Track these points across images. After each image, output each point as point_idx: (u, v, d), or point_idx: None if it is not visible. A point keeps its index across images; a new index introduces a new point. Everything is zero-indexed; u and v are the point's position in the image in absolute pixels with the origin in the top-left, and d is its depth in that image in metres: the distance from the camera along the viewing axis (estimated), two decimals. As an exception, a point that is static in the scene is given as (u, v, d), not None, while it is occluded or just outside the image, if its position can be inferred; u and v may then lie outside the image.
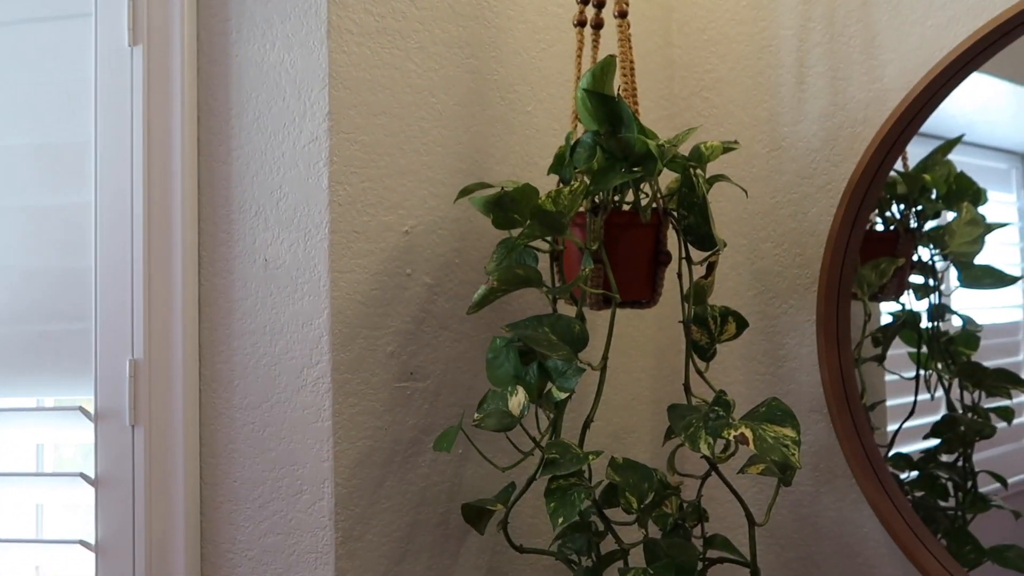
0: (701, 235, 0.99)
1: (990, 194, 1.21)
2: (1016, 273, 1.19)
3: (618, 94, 1.02)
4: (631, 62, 1.09)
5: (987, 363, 1.22)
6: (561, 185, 1.08)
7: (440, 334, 1.15)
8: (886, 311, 1.28)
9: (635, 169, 0.96)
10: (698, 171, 1.00)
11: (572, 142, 1.06)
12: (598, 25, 1.14)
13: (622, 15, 1.10)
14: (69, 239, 1.13)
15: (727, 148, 1.06)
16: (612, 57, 0.97)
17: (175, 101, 1.10)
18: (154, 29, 1.10)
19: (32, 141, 1.15)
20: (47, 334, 1.14)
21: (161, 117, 1.10)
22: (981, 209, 1.21)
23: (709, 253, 1.03)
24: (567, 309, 1.07)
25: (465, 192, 1.09)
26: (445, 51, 1.20)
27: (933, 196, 1.24)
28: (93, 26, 1.12)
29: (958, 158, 1.21)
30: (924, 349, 1.24)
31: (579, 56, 1.12)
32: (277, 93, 1.11)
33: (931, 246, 1.25)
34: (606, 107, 0.98)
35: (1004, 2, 1.01)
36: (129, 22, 1.10)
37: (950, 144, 1.21)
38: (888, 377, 1.27)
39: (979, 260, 1.20)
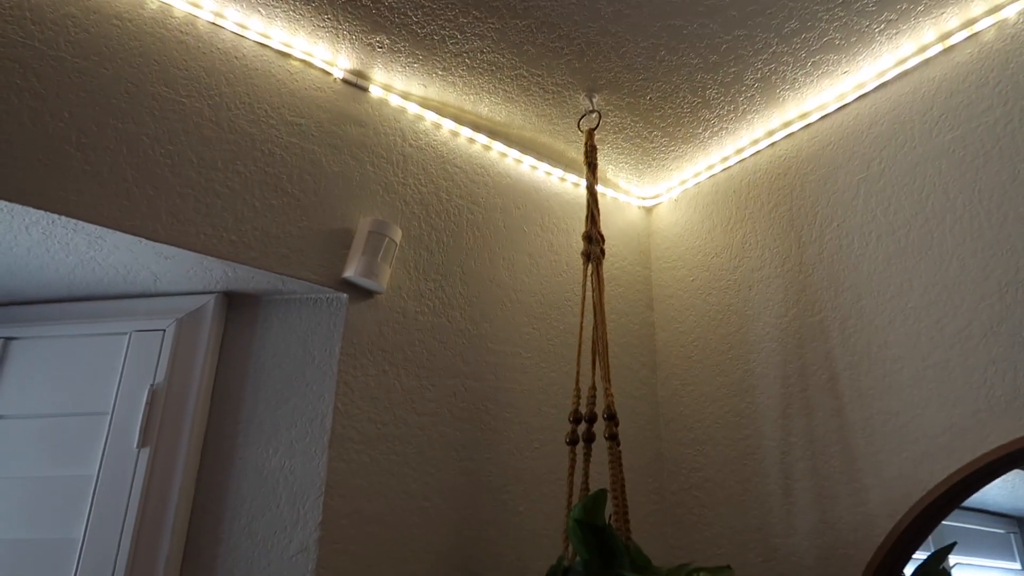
0: None
1: (990, 562, 1.17)
2: None
3: (609, 523, 1.03)
4: (622, 484, 1.12)
5: None
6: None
7: None
8: None
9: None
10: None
11: (564, 566, 1.05)
12: (590, 439, 1.19)
13: (612, 438, 1.15)
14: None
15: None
16: (603, 491, 1.01)
17: (170, 505, 1.11)
18: (164, 433, 1.15)
19: (17, 537, 1.14)
20: None
21: (154, 518, 1.10)
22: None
23: None
24: None
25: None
26: (442, 454, 1.24)
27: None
28: (107, 427, 1.17)
29: (954, 523, 1.18)
30: None
31: (571, 475, 1.15)
32: (272, 499, 1.12)
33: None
34: (597, 538, 0.99)
35: (971, 448, 1.07)
36: (142, 424, 1.15)
37: (944, 551, 1.20)
38: None
39: None
